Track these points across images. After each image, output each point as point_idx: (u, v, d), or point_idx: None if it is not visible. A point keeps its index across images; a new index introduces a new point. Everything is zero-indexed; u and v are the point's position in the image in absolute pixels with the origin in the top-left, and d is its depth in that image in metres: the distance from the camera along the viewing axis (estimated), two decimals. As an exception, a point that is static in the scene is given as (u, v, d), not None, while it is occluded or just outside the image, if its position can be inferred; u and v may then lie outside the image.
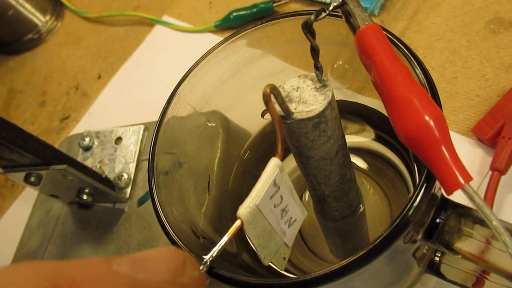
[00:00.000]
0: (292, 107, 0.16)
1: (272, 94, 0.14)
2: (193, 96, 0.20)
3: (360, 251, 0.13)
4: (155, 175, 0.18)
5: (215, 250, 0.15)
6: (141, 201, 0.32)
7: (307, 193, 0.25)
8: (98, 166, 0.34)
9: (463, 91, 0.30)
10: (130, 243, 0.30)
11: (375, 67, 0.13)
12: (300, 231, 0.24)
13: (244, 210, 0.15)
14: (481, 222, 0.16)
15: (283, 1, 0.38)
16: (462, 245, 0.16)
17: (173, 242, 0.17)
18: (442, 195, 0.16)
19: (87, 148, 0.36)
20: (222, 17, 0.41)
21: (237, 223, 0.15)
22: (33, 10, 0.54)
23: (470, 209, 0.16)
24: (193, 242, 0.18)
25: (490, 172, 0.26)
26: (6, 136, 0.25)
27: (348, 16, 0.15)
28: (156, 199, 0.17)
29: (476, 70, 0.30)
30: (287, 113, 0.15)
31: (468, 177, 0.12)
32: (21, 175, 0.29)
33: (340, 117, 0.17)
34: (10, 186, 0.44)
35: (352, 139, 0.27)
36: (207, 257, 0.15)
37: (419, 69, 0.15)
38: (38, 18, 0.54)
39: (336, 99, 0.16)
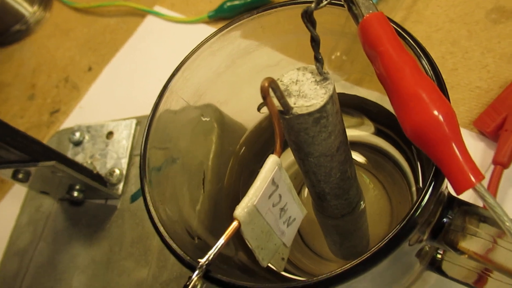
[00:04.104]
0: (291, 101, 0.15)
1: (270, 88, 0.13)
2: (187, 90, 0.19)
3: (365, 254, 0.13)
4: (147, 171, 0.17)
5: (211, 253, 0.14)
6: (134, 198, 0.32)
7: (306, 189, 0.24)
8: (89, 162, 0.33)
9: (464, 82, 0.29)
10: (123, 241, 0.30)
11: (380, 58, 0.13)
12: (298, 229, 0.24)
13: (241, 210, 0.14)
14: (487, 220, 0.15)
15: (279, -10, 0.37)
16: (468, 244, 0.15)
17: (166, 244, 0.16)
18: (448, 192, 0.15)
19: (77, 143, 0.35)
20: (215, 7, 0.40)
21: (234, 224, 0.14)
22: (20, 0, 0.52)
23: (476, 207, 0.15)
24: (187, 244, 0.17)
25: (493, 166, 0.25)
26: (-10, 131, 0.24)
27: (350, 4, 0.14)
28: (148, 197, 0.17)
29: (477, 61, 0.30)
30: (286, 108, 0.14)
31: (480, 176, 0.12)
32: (8, 171, 0.28)
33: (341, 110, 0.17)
34: (-1, 183, 0.43)
35: (350, 133, 0.26)
36: (202, 261, 0.14)
37: (425, 61, 0.14)
38: (26, 8, 0.52)
39: (338, 92, 0.15)
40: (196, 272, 0.14)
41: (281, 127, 0.14)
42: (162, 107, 0.18)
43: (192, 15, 0.42)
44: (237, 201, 0.22)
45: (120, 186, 0.32)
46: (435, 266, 0.22)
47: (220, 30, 0.19)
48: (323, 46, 0.15)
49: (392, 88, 0.13)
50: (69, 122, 0.43)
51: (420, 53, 0.14)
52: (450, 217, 0.15)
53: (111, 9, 0.48)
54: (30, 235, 0.33)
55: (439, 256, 0.22)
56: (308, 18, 0.13)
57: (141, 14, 0.45)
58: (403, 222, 0.13)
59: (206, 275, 0.14)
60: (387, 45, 0.12)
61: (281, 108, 0.15)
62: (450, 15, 0.32)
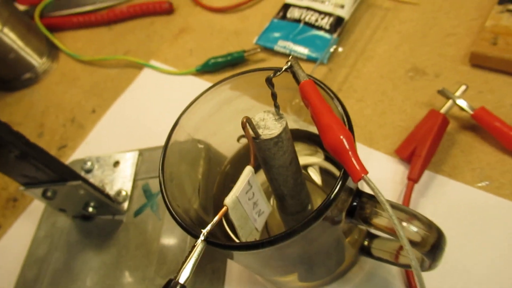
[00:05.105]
0: (260, 131, 0.24)
1: (247, 123, 0.22)
2: (189, 125, 0.28)
3: (302, 220, 0.21)
4: (165, 181, 0.25)
5: (210, 225, 0.22)
6: (137, 213, 0.39)
7: (272, 200, 0.33)
8: (100, 185, 0.41)
9: (390, 122, 0.39)
10: (129, 246, 0.37)
11: (310, 106, 0.22)
12: (268, 232, 0.32)
13: (229, 199, 0.23)
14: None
15: (252, 52, 0.47)
16: (376, 220, 0.24)
17: (180, 224, 0.24)
18: (358, 188, 0.25)
19: (88, 171, 0.43)
20: (202, 63, 0.50)
21: (224, 208, 0.23)
22: (31, 53, 0.61)
23: (374, 196, 0.24)
24: (192, 226, 0.25)
25: (407, 182, 0.35)
26: (36, 156, 0.32)
27: (294, 75, 0.23)
28: (166, 197, 0.25)
29: (399, 107, 0.40)
30: (257, 135, 0.23)
31: (365, 171, 0.21)
32: (39, 190, 0.36)
33: (298, 141, 0.26)
34: (11, 208, 0.50)
35: (308, 160, 0.35)
36: (204, 230, 0.22)
37: (338, 104, 0.24)
38: (36, 59, 0.61)
39: (294, 128, 0.24)
40: (201, 236, 0.22)
41: (254, 147, 0.23)
42: (173, 137, 0.27)
43: (182, 68, 0.52)
44: (221, 204, 0.30)
45: (126, 204, 0.40)
46: (365, 251, 0.31)
47: (213, 85, 0.28)
48: (285, 95, 0.24)
49: (317, 122, 0.22)
50: (75, 155, 0.50)
51: (336, 100, 0.24)
52: (357, 202, 0.24)
53: (113, 62, 0.57)
54: (47, 246, 0.40)
55: (366, 243, 0.31)
56: (269, 82, 0.23)
57: (139, 66, 0.55)
58: (326, 199, 0.21)
59: (206, 240, 0.23)
60: (314, 98, 0.22)
61: (253, 135, 0.24)
62: (380, 72, 0.43)
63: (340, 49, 0.45)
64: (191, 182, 0.31)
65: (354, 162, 0.21)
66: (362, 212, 0.24)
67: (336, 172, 0.34)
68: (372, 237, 0.31)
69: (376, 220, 0.24)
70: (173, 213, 0.25)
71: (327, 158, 0.35)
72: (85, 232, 0.40)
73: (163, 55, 0.54)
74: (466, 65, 0.40)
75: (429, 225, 0.23)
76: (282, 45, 0.46)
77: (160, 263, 0.35)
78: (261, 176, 0.30)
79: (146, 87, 0.52)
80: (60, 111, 0.56)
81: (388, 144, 0.38)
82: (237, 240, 0.29)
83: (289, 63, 0.23)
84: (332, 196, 0.21)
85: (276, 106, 0.24)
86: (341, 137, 0.21)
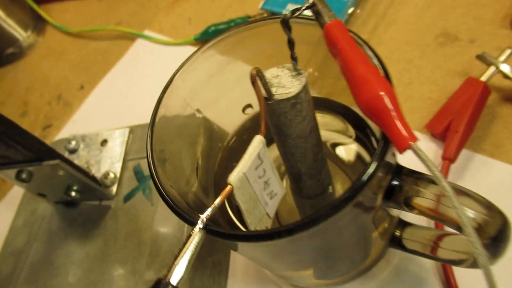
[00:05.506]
0: (273, 90, 0.19)
1: (257, 76, 0.17)
2: (183, 90, 0.23)
3: (332, 202, 0.16)
4: (155, 159, 0.20)
5: (210, 209, 0.17)
6: (127, 198, 0.34)
7: (285, 180, 0.28)
8: (85, 166, 0.36)
9: (418, 94, 0.34)
10: (117, 236, 0.32)
11: (339, 53, 0.17)
12: (278, 219, 0.27)
13: (234, 176, 0.18)
14: (433, 182, 0.19)
15: (258, 17, 0.42)
16: (419, 201, 0.19)
17: (172, 207, 0.19)
18: (397, 163, 0.19)
19: (73, 151, 0.38)
20: (201, 31, 0.44)
21: (228, 187, 0.18)
22: (14, 25, 0.55)
23: (421, 173, 0.19)
24: (187, 211, 0.20)
25: (442, 162, 0.30)
26: (4, 131, 0.27)
27: (317, 15, 0.18)
28: (155, 174, 0.20)
29: (428, 77, 0.35)
30: (269, 94, 0.18)
31: (414, 138, 0.16)
32: (12, 172, 0.31)
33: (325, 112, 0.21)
34: (-10, 193, 0.45)
35: (331, 136, 0.30)
36: (203, 216, 0.17)
37: (372, 54, 0.19)
38: (20, 33, 0.56)
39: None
40: (199, 223, 0.17)
41: (265, 110, 0.18)
42: (164, 102, 0.22)
43: (179, 38, 0.47)
44: (224, 184, 0.25)
45: (114, 188, 0.35)
46: (396, 242, 0.26)
47: (212, 39, 0.23)
48: (299, 58, 0.19)
49: (349, 75, 0.17)
50: (61, 135, 0.45)
51: (369, 49, 0.19)
52: (398, 180, 0.19)
53: (103, 33, 0.52)
54: (26, 236, 0.36)
55: (397, 233, 0.26)
56: (286, 24, 0.17)
57: (132, 37, 0.49)
58: (361, 174, 0.16)
59: (205, 228, 0.18)
60: (343, 43, 0.17)
61: (265, 95, 0.18)
62: (405, 38, 0.38)
63: (358, 11, 0.39)
64: (190, 160, 0.26)
65: (399, 125, 0.16)
66: (404, 192, 0.19)
67: (365, 155, 0.29)
68: (404, 225, 0.26)
69: (424, 203, 0.19)
70: (163, 192, 0.20)
71: (357, 138, 0.30)
72: (68, 220, 0.35)
73: (158, 24, 0.49)
74: (506, 29, 0.35)
75: (490, 207, 0.18)
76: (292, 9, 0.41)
77: (153, 256, 0.30)
78: (272, 152, 0.25)
79: (139, 60, 0.47)
80: (45, 88, 0.51)
81: (416, 119, 0.33)
82: (243, 229, 0.24)
83: (311, 0, 0.18)
84: (371, 170, 0.16)
85: (294, 58, 0.19)
86: (381, 93, 0.16)
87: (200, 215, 0.17)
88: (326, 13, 0.17)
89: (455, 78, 0.34)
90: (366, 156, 0.29)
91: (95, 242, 0.33)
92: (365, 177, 0.16)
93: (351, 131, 0.29)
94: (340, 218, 0.17)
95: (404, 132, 0.16)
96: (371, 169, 0.16)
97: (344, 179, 0.29)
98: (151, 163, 0.21)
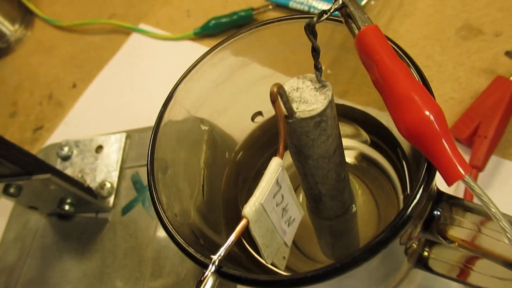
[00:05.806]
0: (294, 106, 0.16)
1: (278, 94, 0.14)
2: (188, 100, 0.20)
3: (373, 239, 0.14)
4: (155, 177, 0.18)
5: (223, 249, 0.15)
6: (125, 210, 0.32)
7: (301, 193, 0.25)
8: (79, 176, 0.33)
9: (438, 94, 0.31)
10: (115, 252, 0.30)
11: (376, 66, 0.14)
12: (294, 241, 0.25)
13: (250, 209, 0.15)
14: (471, 210, 0.17)
15: (262, 10, 0.39)
16: (456, 233, 0.17)
17: (177, 244, 0.17)
18: (437, 188, 0.17)
19: (65, 158, 0.35)
20: (200, 25, 0.41)
21: (243, 222, 0.15)
22: (1, 19, 0.52)
23: (461, 199, 0.17)
24: (194, 244, 0.18)
25: (469, 170, 0.27)
26: (-13, 144, 0.24)
27: (347, 18, 0.15)
28: (157, 203, 0.17)
29: (450, 74, 0.32)
30: (290, 112, 0.16)
31: (467, 168, 0.13)
32: (-1, 186, 0.28)
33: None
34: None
35: (346, 143, 0.27)
36: (215, 257, 0.15)
37: (413, 69, 0.16)
38: (6, 27, 0.52)
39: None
40: (210, 266, 0.15)
41: (285, 130, 0.16)
42: (166, 117, 0.19)
43: (177, 32, 0.43)
44: (233, 204, 0.23)
45: (111, 199, 0.32)
46: (422, 263, 0.24)
47: (221, 43, 0.20)
48: (308, 58, 0.17)
49: (387, 92, 0.14)
50: (53, 138, 0.43)
51: (409, 62, 0.16)
52: (440, 210, 0.16)
53: (96, 27, 0.49)
54: (18, 252, 0.33)
55: (425, 253, 0.24)
56: (311, 30, 0.15)
57: (126, 31, 0.46)
58: (401, 214, 0.14)
59: (219, 271, 0.15)
60: (382, 53, 0.14)
61: (285, 113, 0.16)
62: (423, 32, 0.35)
63: (372, 2, 0.36)
64: (192, 173, 0.23)
65: (451, 155, 0.13)
66: (443, 223, 0.17)
67: (381, 161, 0.26)
68: (432, 243, 0.24)
69: (462, 235, 0.16)
70: (167, 224, 0.17)
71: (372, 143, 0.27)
72: (63, 234, 0.33)
73: (154, 17, 0.46)
74: (535, 21, 0.32)
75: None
76: (300, 0, 0.38)
77: (155, 276, 0.28)
78: (285, 160, 0.22)
79: (134, 56, 0.44)
80: (35, 86, 0.48)
81: (438, 122, 0.30)
82: (257, 256, 0.22)
83: (341, 1, 0.15)
84: (414, 202, 0.14)
85: (318, 69, 0.16)
86: (431, 116, 0.13)
87: (212, 256, 0.15)
88: (359, 17, 0.15)
89: (480, 76, 0.31)
90: (378, 158, 0.26)
91: (92, 259, 0.30)
92: (407, 213, 0.14)
93: (364, 135, 0.27)
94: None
95: (456, 162, 0.13)
96: (414, 201, 0.14)
97: (360, 186, 0.27)
98: (152, 183, 0.18)
